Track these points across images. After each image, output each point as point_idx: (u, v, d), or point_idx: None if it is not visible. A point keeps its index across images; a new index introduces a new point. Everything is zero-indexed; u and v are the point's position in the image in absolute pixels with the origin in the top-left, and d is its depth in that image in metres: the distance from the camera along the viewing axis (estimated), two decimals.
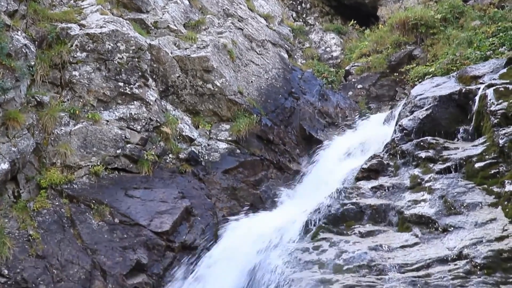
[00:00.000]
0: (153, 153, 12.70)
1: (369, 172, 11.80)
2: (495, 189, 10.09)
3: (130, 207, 11.93)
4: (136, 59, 12.93)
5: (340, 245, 10.13)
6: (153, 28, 14.09)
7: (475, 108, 11.36)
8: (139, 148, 12.64)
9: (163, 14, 14.43)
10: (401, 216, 10.47)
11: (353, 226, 10.59)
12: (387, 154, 12.01)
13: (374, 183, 11.40)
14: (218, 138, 13.73)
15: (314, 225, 10.82)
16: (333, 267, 9.77)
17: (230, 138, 13.76)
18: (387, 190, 11.10)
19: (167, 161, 12.97)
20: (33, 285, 10.65)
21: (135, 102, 12.86)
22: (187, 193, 12.48)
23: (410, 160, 11.51)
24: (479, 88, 11.53)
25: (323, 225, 10.74)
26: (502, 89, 11.00)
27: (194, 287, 11.21)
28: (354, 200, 11.02)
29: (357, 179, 11.84)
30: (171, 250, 11.75)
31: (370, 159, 12.15)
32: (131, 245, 11.52)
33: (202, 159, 13.26)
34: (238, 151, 13.65)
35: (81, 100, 12.53)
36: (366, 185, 11.39)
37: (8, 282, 10.58)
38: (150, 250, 11.59)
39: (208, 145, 13.53)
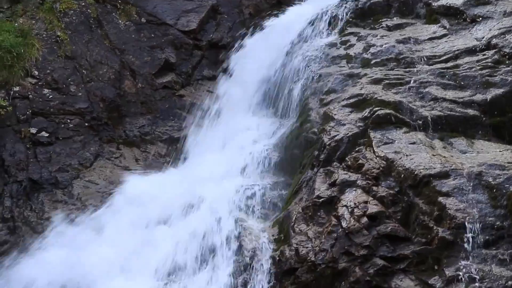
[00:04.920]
0: None
1: None
2: None
3: (156, 7, 11.85)
4: None
5: (368, 39, 10.10)
6: None
7: None
8: None
9: None
10: (429, 8, 10.37)
11: (380, 20, 10.53)
12: None
13: None
14: None
15: (341, 20, 10.76)
16: (361, 61, 9.81)
17: None
18: None
19: None
20: (64, 86, 10.80)
21: None
22: None
23: None
24: None
25: (350, 19, 10.69)
26: None
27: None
28: None
29: None
30: (198, 48, 11.80)
31: None
32: (159, 44, 11.55)
33: None
34: None
35: None
36: None
37: (39, 83, 10.74)
38: (177, 49, 11.64)
39: None
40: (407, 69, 9.38)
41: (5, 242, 9.43)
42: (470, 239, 7.17)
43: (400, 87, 9.07)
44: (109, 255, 8.85)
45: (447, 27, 9.95)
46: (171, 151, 10.75)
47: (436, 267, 7.24)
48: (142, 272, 8.61)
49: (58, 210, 9.80)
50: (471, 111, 8.63)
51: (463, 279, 6.98)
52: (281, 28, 11.31)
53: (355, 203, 7.94)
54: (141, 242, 8.97)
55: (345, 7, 10.89)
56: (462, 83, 8.97)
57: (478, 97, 8.73)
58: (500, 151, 8.04)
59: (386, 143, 8.36)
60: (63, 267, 8.65)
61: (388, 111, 8.67)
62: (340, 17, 10.82)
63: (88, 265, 8.71)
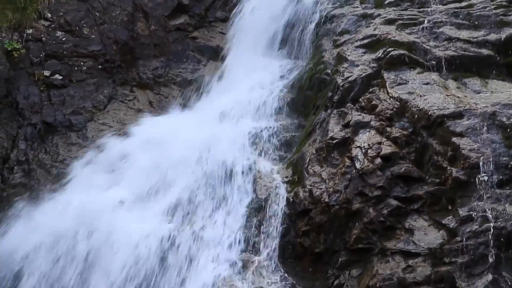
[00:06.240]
0: None
1: None
2: None
3: None
4: None
5: None
6: None
7: None
8: None
9: None
10: None
11: None
12: None
13: None
14: None
15: None
16: (375, 1, 9.75)
17: None
18: None
19: None
20: (77, 28, 10.77)
21: None
22: None
23: None
24: None
25: None
26: None
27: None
28: None
29: None
30: None
31: None
32: None
33: None
34: None
35: None
36: None
37: (52, 25, 10.72)
38: None
39: None
40: (421, 9, 9.33)
41: (20, 184, 9.52)
42: (484, 179, 7.23)
43: (414, 27, 9.04)
44: (124, 197, 8.93)
45: None
46: (184, 93, 10.76)
47: (450, 207, 7.31)
48: (157, 213, 8.69)
49: (73, 153, 9.85)
50: (485, 51, 8.60)
51: (476, 218, 7.06)
52: None
53: (368, 144, 7.99)
54: (156, 183, 9.04)
55: None
56: (476, 22, 8.93)
57: (492, 36, 8.70)
58: None
59: (399, 84, 8.37)
60: (78, 210, 8.69)
61: (401, 51, 8.66)
62: None
63: (102, 207, 8.77)
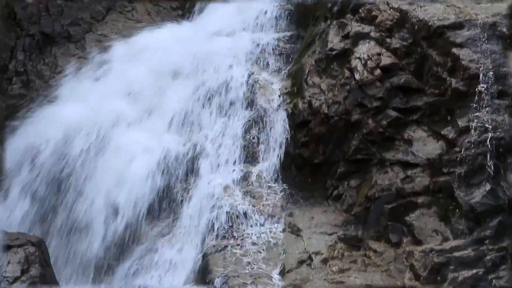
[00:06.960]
0: None
1: None
2: None
3: None
4: None
5: None
6: None
7: None
8: None
9: None
10: None
11: None
12: None
13: None
14: None
15: None
16: None
17: None
18: None
19: None
20: None
21: None
22: None
23: None
24: None
25: None
26: None
27: None
28: None
29: None
30: None
31: None
32: None
33: None
34: None
35: None
36: None
37: None
38: None
39: None
40: None
41: (19, 95, 9.54)
42: (483, 90, 7.26)
43: None
44: (123, 108, 8.97)
45: None
46: (183, 4, 10.65)
47: (449, 118, 7.37)
48: (156, 124, 8.76)
49: (71, 64, 9.82)
50: None
51: (475, 129, 7.13)
52: None
53: (368, 55, 7.98)
54: (155, 93, 9.05)
55: None
56: None
57: None
58: None
59: None
60: (77, 121, 8.73)
61: None
62: None
63: (101, 118, 8.80)
